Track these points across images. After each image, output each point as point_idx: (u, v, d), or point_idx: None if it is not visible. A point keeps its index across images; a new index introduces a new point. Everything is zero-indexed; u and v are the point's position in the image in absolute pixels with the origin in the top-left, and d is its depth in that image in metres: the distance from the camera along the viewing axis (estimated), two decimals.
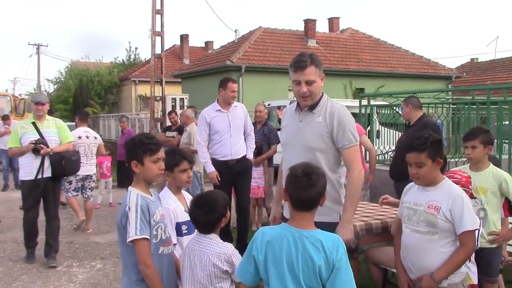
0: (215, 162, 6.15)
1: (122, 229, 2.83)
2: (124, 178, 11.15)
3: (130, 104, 31.27)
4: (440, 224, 3.13)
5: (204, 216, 2.91)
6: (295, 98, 3.60)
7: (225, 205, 3.03)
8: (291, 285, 2.43)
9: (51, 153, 6.01)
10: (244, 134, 6.29)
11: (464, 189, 3.36)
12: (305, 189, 2.47)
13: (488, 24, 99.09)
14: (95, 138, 8.18)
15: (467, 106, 7.55)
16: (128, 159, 2.95)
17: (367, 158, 7.45)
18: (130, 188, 2.94)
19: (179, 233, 3.31)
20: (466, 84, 26.38)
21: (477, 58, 34.35)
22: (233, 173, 6.11)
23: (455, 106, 8.61)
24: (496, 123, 7.09)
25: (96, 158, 10.15)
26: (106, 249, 6.95)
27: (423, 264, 3.19)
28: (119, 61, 37.50)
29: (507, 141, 7.61)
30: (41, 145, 5.91)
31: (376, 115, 9.86)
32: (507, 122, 7.88)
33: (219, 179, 6.01)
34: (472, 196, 3.60)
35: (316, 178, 2.49)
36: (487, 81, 27.01)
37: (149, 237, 2.80)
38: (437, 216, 3.14)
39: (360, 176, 3.42)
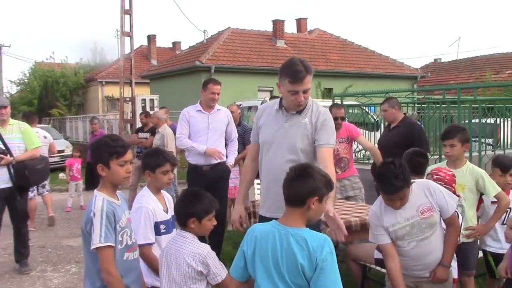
0: (188, 166, 5.77)
1: (87, 234, 2.73)
2: (94, 181, 10.97)
3: (97, 105, 30.79)
4: (437, 219, 3.36)
5: (183, 205, 2.95)
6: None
7: (206, 208, 2.98)
8: (277, 281, 2.44)
9: (13, 162, 5.61)
10: (227, 140, 5.88)
11: (447, 187, 3.47)
12: (287, 182, 2.52)
13: (450, 25, 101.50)
14: (45, 137, 8.34)
15: (437, 105, 7.72)
16: (94, 162, 2.83)
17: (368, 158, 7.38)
18: (96, 191, 2.82)
19: (157, 232, 3.31)
20: (430, 84, 26.85)
21: (440, 59, 35.12)
22: (206, 181, 5.42)
23: (425, 105, 8.77)
24: (462, 122, 7.24)
25: (66, 160, 10.19)
26: (80, 252, 6.80)
27: (435, 259, 3.38)
28: (85, 62, 36.84)
29: (475, 139, 7.79)
30: (1, 155, 5.51)
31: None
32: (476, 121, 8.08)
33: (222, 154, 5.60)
34: (455, 193, 3.69)
35: (299, 174, 2.50)
36: (450, 80, 27.59)
37: (113, 245, 2.71)
38: (434, 215, 3.33)
39: (334, 177, 3.37)
